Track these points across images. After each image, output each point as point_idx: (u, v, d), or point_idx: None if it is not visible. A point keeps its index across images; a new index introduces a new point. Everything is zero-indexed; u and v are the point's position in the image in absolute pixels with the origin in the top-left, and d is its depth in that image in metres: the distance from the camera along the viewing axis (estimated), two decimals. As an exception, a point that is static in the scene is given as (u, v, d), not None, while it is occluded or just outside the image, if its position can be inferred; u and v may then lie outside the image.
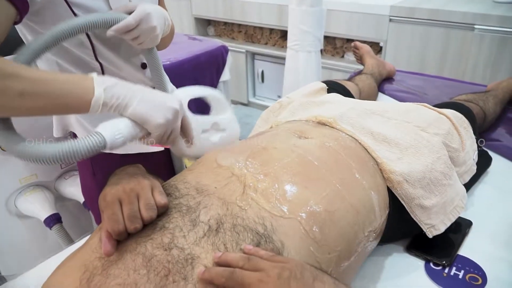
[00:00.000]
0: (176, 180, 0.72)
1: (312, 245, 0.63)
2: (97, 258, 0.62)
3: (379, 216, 0.75)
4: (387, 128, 0.90)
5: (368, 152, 0.83)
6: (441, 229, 0.83)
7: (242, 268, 0.53)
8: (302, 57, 2.08)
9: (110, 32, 0.78)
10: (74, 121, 1.01)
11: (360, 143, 0.85)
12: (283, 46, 2.92)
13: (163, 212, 0.65)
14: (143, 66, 0.96)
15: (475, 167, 0.99)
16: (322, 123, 0.90)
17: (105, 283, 0.57)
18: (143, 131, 0.70)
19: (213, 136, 0.85)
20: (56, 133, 1.06)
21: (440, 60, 2.29)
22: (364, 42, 1.94)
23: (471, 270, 0.81)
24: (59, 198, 1.45)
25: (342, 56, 2.77)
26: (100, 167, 1.06)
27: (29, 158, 0.62)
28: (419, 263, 0.84)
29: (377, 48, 2.52)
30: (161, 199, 0.65)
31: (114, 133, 0.65)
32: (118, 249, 0.61)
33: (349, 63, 2.65)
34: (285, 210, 0.64)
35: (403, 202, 0.80)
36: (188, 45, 2.06)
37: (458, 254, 0.85)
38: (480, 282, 0.78)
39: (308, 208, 0.66)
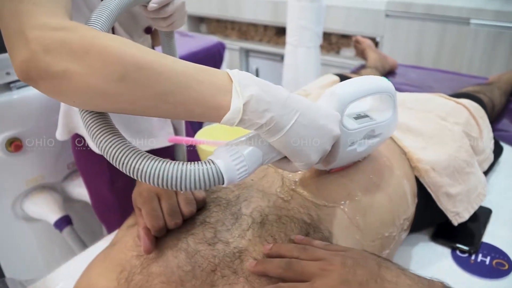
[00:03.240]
0: None
1: (357, 233, 0.63)
2: (135, 256, 0.59)
3: (411, 204, 0.76)
4: (410, 118, 0.91)
5: (394, 141, 0.84)
6: (466, 216, 0.84)
7: (298, 258, 0.51)
8: (301, 53, 2.08)
9: (153, 4, 0.65)
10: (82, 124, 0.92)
11: None
12: (278, 43, 2.92)
13: (201, 206, 0.64)
14: None
15: (492, 156, 1.00)
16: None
17: (147, 281, 0.55)
18: (278, 156, 0.53)
19: (362, 146, 0.65)
20: (60, 135, 0.96)
21: (436, 55, 2.31)
22: (361, 37, 1.95)
23: (497, 256, 0.82)
24: (67, 200, 1.42)
25: (338, 52, 2.78)
26: (121, 173, 0.93)
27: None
28: (445, 252, 0.84)
29: (373, 43, 2.54)
30: (199, 193, 0.63)
31: (234, 163, 0.47)
32: (157, 246, 0.59)
33: (344, 59, 2.66)
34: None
35: (430, 191, 0.81)
36: (183, 42, 2.03)
37: (482, 241, 0.86)
38: (506, 267, 0.79)
39: (348, 196, 0.66)
